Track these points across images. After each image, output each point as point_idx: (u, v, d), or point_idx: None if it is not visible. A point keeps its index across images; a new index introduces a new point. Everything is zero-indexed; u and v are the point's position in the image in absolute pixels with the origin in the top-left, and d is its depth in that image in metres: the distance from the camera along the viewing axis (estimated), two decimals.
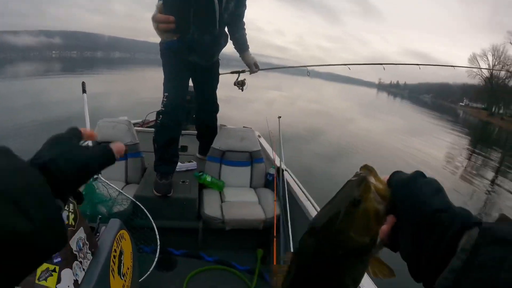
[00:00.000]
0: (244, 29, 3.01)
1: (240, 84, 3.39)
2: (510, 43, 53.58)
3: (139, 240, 2.42)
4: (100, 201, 2.35)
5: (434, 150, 15.54)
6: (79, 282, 1.13)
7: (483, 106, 64.61)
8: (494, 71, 55.22)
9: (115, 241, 1.42)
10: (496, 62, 55.19)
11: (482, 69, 56.57)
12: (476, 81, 60.73)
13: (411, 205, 0.47)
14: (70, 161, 0.47)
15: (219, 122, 4.18)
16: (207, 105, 3.29)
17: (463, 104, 72.21)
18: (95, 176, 2.39)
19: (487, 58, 56.73)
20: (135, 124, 4.61)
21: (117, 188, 2.44)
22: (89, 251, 1.25)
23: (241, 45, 3.06)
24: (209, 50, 2.77)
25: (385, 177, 0.55)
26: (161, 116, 2.71)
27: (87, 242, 1.25)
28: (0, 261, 0.34)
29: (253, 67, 3.17)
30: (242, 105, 17.22)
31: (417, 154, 13.06)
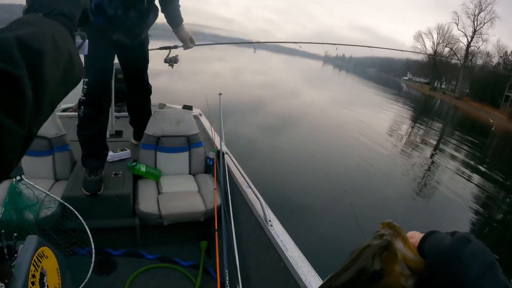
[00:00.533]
0: (178, 0, 2.72)
1: (172, 61, 3.11)
2: (455, 23, 56.66)
3: (73, 244, 2.25)
4: (25, 206, 2.13)
5: (379, 121, 16.16)
6: None
7: (425, 81, 67.81)
8: (438, 49, 58.21)
9: (32, 264, 1.27)
10: (440, 41, 57.57)
11: (426, 48, 59.49)
12: (419, 57, 63.82)
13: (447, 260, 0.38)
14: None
15: (159, 100, 3.93)
16: (137, 87, 3.01)
17: (407, 78, 75.53)
18: (18, 178, 2.18)
19: (432, 36, 59.31)
20: (68, 109, 4.28)
21: (42, 190, 2.21)
22: (1, 284, 1.11)
23: (174, 20, 2.78)
24: (136, 27, 2.48)
25: (412, 239, 0.44)
26: (82, 107, 2.43)
27: None
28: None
29: (188, 42, 2.91)
30: (185, 79, 16.80)
31: (362, 125, 13.49)
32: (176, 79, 15.30)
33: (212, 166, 2.98)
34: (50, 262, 1.43)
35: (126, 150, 3.04)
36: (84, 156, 2.59)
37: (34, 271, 1.27)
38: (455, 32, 56.92)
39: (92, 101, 2.43)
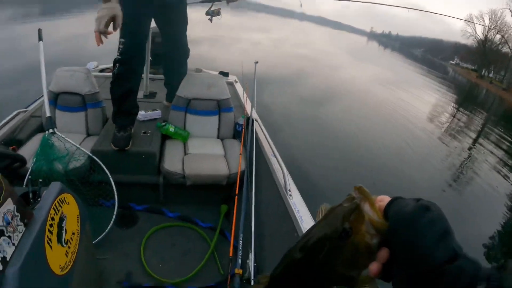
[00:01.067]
0: None
1: (215, 13, 3.12)
2: (509, 9, 52.42)
3: (98, 196, 2.35)
4: (56, 157, 2.23)
5: (420, 103, 15.54)
6: (8, 259, 1.05)
7: (473, 67, 64.33)
8: (489, 35, 54.77)
9: (52, 208, 1.33)
10: (492, 26, 53.93)
11: (476, 33, 56.28)
12: (469, 41, 59.46)
13: (412, 253, 0.41)
14: None
15: (196, 65, 3.94)
16: (175, 49, 3.04)
17: (454, 62, 71.67)
18: (51, 131, 2.27)
19: (483, 20, 55.04)
20: (105, 69, 4.38)
21: (72, 143, 2.30)
22: (20, 223, 1.17)
23: None
24: None
25: (380, 202, 0.48)
26: (117, 65, 2.48)
27: (17, 214, 1.15)
28: None
29: None
30: (226, 46, 16.72)
31: (403, 105, 13.06)
32: (216, 46, 15.27)
33: (241, 132, 2.98)
34: (71, 208, 1.48)
35: (157, 110, 3.10)
36: (114, 113, 2.67)
37: (54, 214, 1.32)
38: (509, 19, 53.00)
39: (126, 61, 2.46)
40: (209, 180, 2.61)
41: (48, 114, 2.31)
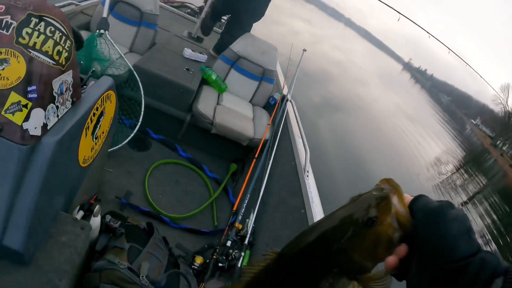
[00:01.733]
0: None
1: None
2: None
3: (123, 111, 2.33)
4: (97, 57, 2.21)
5: (429, 147, 15.50)
6: (48, 127, 1.03)
7: (491, 134, 64.24)
8: None
9: (100, 99, 1.32)
10: None
11: (507, 101, 56.48)
12: (497, 108, 59.40)
13: (436, 247, 0.42)
14: None
15: None
16: (249, 8, 3.27)
17: (474, 122, 71.60)
18: (101, 32, 2.23)
19: None
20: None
21: (119, 51, 2.28)
22: (69, 99, 1.15)
23: None
24: None
25: (406, 199, 0.48)
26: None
27: (71, 89, 1.14)
28: None
29: None
30: (268, 24, 16.55)
31: (412, 142, 13.04)
32: (267, 24, 15.15)
33: (273, 106, 3.03)
34: (110, 108, 1.48)
35: (203, 54, 3.09)
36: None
37: (99, 106, 1.32)
38: None
39: None
40: (233, 135, 2.63)
41: (105, 14, 2.28)
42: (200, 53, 3.09)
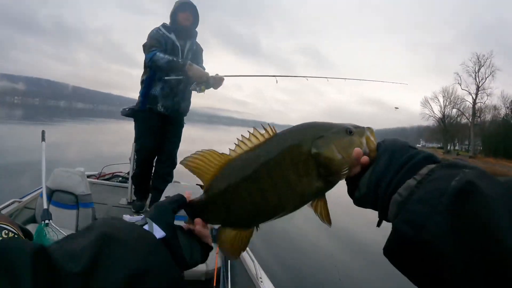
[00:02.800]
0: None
1: (201, 90, 3.56)
2: (458, 83, 55.96)
3: None
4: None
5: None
6: None
7: (438, 145, 65.41)
8: (446, 112, 57.48)
9: None
10: (447, 103, 57.69)
11: (434, 112, 58.79)
12: (430, 122, 62.64)
13: (393, 151, 0.59)
14: None
15: (175, 178, 4.42)
16: (167, 160, 3.67)
17: (420, 145, 73.91)
18: (46, 222, 2.48)
19: (438, 100, 59.01)
20: (91, 176, 4.71)
21: (65, 234, 2.51)
22: None
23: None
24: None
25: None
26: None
27: None
28: None
29: (213, 79, 3.51)
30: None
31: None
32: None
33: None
34: None
35: (141, 215, 3.35)
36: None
37: None
38: (460, 92, 56.36)
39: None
40: (188, 275, 2.77)
41: (45, 206, 2.56)
42: (138, 214, 3.40)
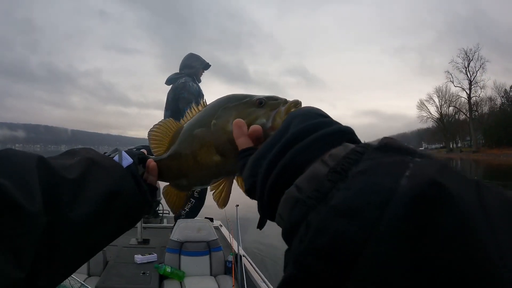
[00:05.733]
0: None
1: None
2: (451, 81, 56.57)
3: None
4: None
5: None
6: None
7: (441, 145, 65.07)
8: (442, 111, 57.31)
9: None
10: (443, 102, 57.74)
11: (432, 114, 59.27)
12: (428, 124, 62.64)
13: (301, 111, 0.44)
14: None
15: None
16: None
17: (422, 148, 74.14)
18: None
19: (433, 100, 59.19)
20: None
21: (78, 280, 2.50)
22: None
23: None
24: None
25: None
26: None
27: None
28: None
29: None
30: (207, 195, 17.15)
31: None
32: None
33: (231, 268, 3.23)
34: None
35: (153, 254, 3.41)
36: None
37: None
38: (453, 89, 57.09)
39: None
40: None
41: None
42: (149, 254, 3.39)
